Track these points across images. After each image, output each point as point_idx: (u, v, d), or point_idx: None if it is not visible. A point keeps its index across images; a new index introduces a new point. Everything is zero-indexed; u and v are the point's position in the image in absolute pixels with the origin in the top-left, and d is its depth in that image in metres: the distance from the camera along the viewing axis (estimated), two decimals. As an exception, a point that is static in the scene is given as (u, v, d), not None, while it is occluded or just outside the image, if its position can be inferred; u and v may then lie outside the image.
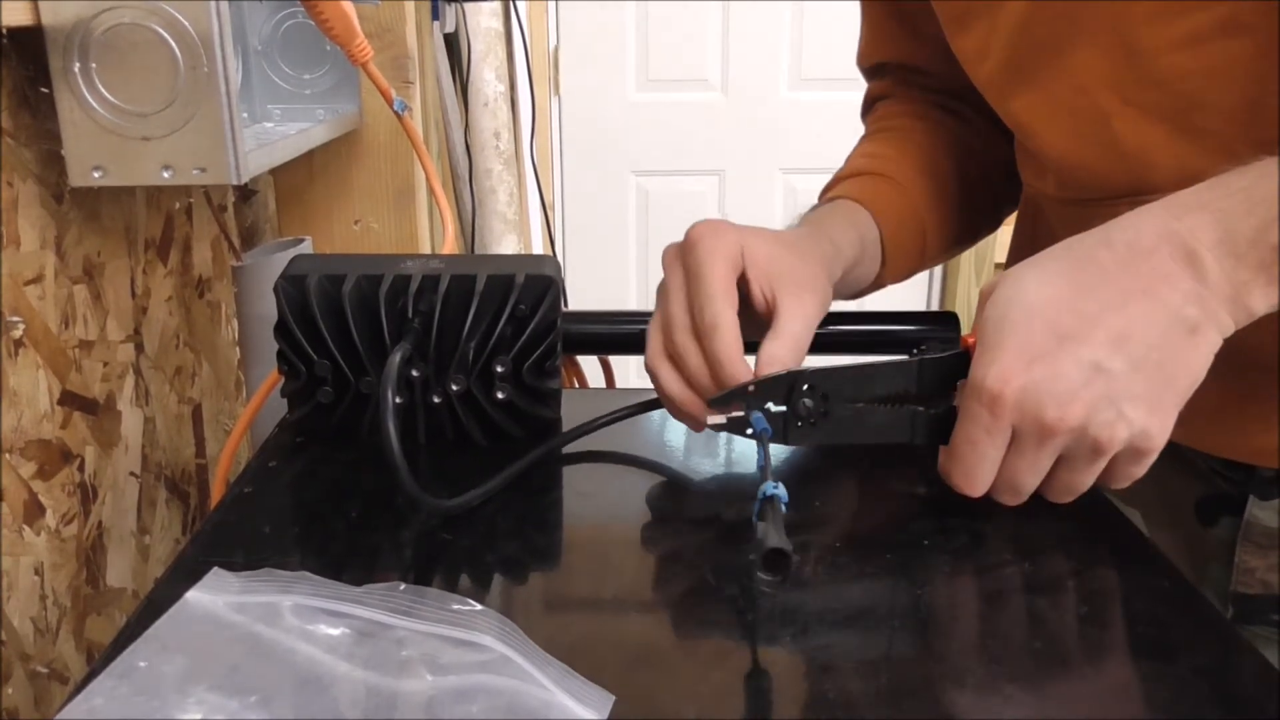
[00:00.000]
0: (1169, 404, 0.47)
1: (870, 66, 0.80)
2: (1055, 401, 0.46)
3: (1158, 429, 0.47)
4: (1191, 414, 0.60)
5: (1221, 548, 0.65)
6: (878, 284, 0.68)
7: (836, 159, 0.73)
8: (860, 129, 0.82)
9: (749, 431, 0.52)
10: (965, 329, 0.80)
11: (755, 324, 0.55)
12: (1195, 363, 0.46)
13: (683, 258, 0.55)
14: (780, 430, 0.52)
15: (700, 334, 0.53)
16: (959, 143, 0.73)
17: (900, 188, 0.68)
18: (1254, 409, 0.59)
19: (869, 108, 0.81)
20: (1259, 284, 0.45)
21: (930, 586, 0.47)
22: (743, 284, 0.55)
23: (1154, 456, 0.48)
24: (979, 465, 0.49)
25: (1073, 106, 0.58)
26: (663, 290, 0.57)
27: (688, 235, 0.56)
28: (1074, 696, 0.40)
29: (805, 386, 0.51)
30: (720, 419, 0.52)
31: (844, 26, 2.46)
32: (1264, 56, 0.51)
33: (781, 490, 0.45)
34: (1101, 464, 0.48)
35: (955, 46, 0.65)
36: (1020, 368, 0.46)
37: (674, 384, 0.55)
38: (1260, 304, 0.46)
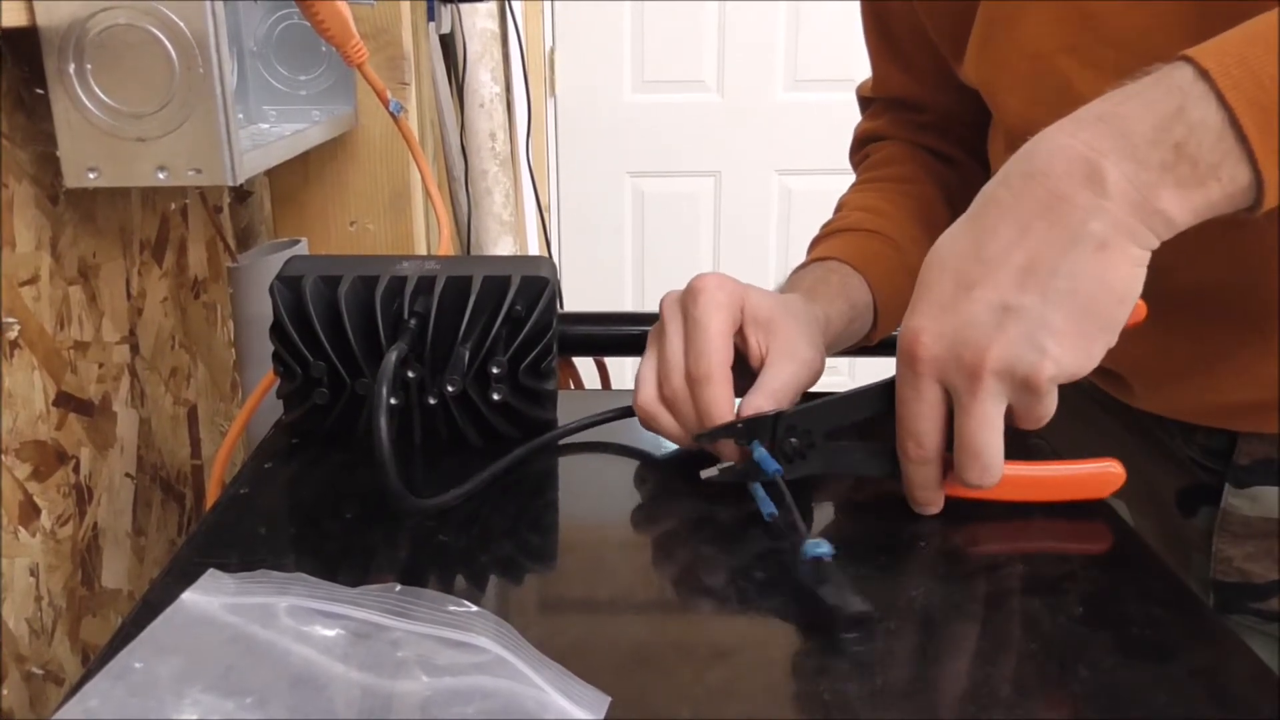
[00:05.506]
0: (1093, 329, 0.45)
1: (866, 97, 0.81)
2: (969, 347, 0.46)
3: (1085, 359, 0.45)
4: (1163, 377, 0.59)
5: (1202, 537, 0.65)
6: (866, 342, 0.69)
7: (832, 160, 0.73)
8: (853, 128, 0.82)
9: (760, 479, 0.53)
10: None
11: (749, 378, 0.57)
12: (1114, 280, 0.44)
13: (684, 305, 0.57)
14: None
15: (693, 381, 0.55)
16: (952, 191, 0.73)
17: (895, 246, 0.68)
18: (1224, 365, 0.59)
19: (859, 147, 0.81)
20: (1166, 185, 0.43)
21: (925, 588, 0.47)
22: (739, 338, 0.57)
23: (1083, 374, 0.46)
24: (917, 423, 0.49)
25: (1035, 73, 0.58)
26: (659, 334, 0.58)
27: (691, 285, 0.57)
28: (1070, 698, 0.40)
29: (787, 426, 0.54)
30: (713, 472, 0.55)
31: (839, 28, 2.46)
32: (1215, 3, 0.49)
33: (827, 548, 0.46)
34: (1051, 398, 0.46)
35: (945, 50, 0.66)
36: (929, 321, 0.47)
37: (671, 428, 0.57)
38: (1175, 208, 0.43)
